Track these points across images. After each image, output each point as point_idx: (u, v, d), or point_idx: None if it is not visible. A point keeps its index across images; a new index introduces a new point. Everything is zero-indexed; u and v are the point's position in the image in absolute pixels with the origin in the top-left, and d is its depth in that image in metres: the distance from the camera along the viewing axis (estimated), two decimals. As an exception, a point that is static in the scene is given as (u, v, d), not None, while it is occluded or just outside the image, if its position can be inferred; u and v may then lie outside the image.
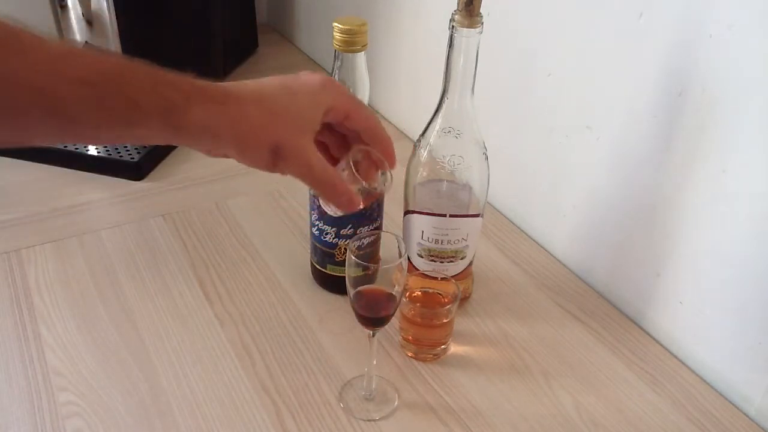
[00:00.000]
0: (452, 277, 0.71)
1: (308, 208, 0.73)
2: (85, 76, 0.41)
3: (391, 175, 0.52)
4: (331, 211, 0.53)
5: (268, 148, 0.46)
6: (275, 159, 0.47)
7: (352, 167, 0.50)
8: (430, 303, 0.70)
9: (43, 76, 0.40)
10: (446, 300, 0.69)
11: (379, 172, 0.52)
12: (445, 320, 0.67)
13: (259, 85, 0.47)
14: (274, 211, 0.90)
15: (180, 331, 0.70)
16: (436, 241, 0.68)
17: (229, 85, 0.46)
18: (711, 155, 0.63)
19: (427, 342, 0.68)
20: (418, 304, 0.68)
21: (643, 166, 0.70)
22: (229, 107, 0.45)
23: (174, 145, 0.46)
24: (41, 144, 0.44)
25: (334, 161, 0.51)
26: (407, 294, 0.67)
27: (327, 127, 0.50)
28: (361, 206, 0.51)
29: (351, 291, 0.58)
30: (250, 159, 0.48)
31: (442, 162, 0.65)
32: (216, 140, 0.46)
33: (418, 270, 0.71)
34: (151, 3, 1.06)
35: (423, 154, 0.66)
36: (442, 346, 0.68)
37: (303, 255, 0.80)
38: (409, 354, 0.68)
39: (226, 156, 0.47)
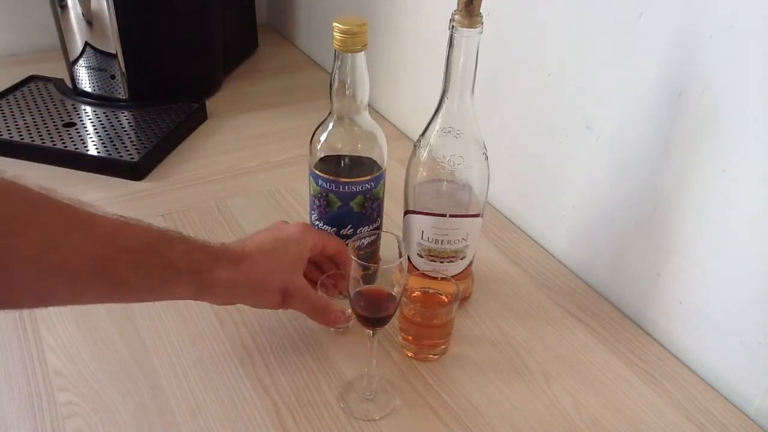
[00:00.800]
0: (452, 277, 0.71)
1: (308, 208, 0.73)
2: (133, 245, 0.52)
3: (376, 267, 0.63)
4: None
5: (279, 291, 0.61)
6: (285, 299, 0.62)
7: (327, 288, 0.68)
8: (430, 303, 0.70)
9: (102, 248, 0.50)
10: (446, 300, 0.69)
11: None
12: (445, 320, 0.67)
13: (258, 242, 0.61)
14: (274, 211, 0.90)
15: (180, 332, 0.70)
16: (436, 241, 0.68)
17: (237, 247, 0.60)
18: (711, 155, 0.63)
19: (427, 342, 0.68)
20: (418, 304, 0.68)
21: (643, 166, 0.70)
22: (244, 265, 0.59)
23: (196, 300, 0.60)
24: (91, 303, 0.54)
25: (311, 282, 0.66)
26: (407, 294, 0.67)
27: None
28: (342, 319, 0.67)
29: (351, 291, 0.58)
30: (264, 303, 0.63)
31: (442, 162, 0.65)
32: (235, 292, 0.60)
33: (418, 270, 0.71)
34: (151, 3, 1.06)
35: (423, 154, 0.66)
36: (442, 347, 0.68)
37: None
38: (409, 354, 0.68)
39: (241, 303, 0.63)
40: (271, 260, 0.60)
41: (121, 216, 0.53)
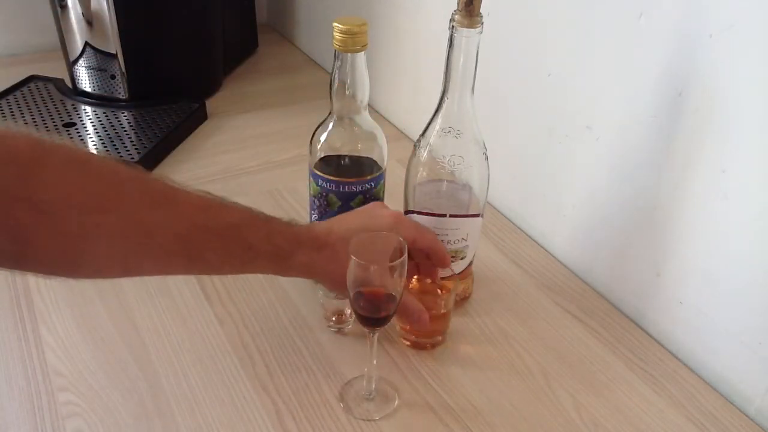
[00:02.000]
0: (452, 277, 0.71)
1: (308, 208, 0.73)
2: (215, 226, 0.52)
3: (452, 271, 0.67)
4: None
5: None
6: None
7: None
8: (428, 293, 0.70)
9: (185, 227, 0.51)
10: (444, 291, 0.69)
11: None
12: (443, 311, 0.67)
13: (345, 228, 0.59)
14: (274, 211, 0.89)
15: (180, 331, 0.70)
16: (436, 241, 0.68)
17: (321, 230, 0.59)
18: (711, 155, 0.63)
19: (424, 332, 0.68)
20: (416, 293, 0.68)
21: (643, 166, 0.70)
22: (325, 252, 0.58)
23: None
24: (174, 274, 0.56)
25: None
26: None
27: None
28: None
29: (351, 291, 0.58)
30: (339, 289, 0.61)
31: (442, 162, 0.65)
32: (313, 275, 0.60)
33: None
34: (151, 3, 1.06)
35: (423, 154, 0.66)
36: (439, 337, 0.69)
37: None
38: (407, 343, 0.68)
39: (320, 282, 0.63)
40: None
41: (208, 193, 0.54)
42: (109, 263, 0.50)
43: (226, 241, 0.53)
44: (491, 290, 0.78)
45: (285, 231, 0.57)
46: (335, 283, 0.60)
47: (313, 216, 0.72)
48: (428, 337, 0.69)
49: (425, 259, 0.64)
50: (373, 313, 0.58)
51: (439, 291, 0.70)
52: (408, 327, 0.69)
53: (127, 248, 0.49)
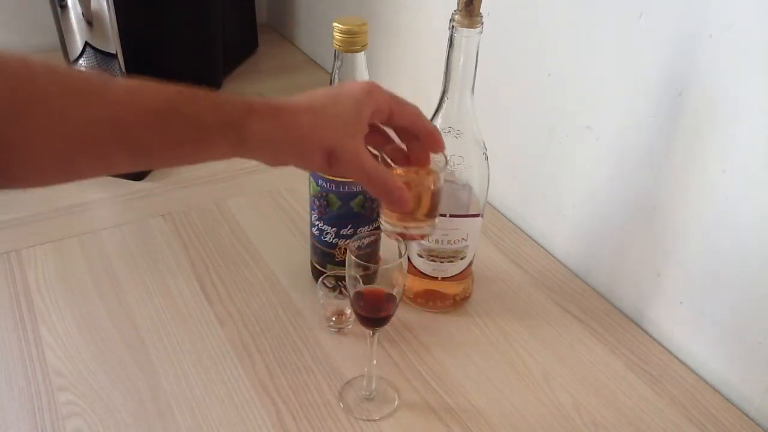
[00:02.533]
0: (452, 277, 0.71)
1: (308, 208, 0.73)
2: (151, 106, 0.46)
3: (446, 157, 0.56)
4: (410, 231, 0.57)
5: (322, 151, 0.50)
6: (330, 161, 0.51)
7: (389, 162, 0.55)
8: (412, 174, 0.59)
9: (117, 110, 0.45)
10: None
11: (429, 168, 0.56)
12: (431, 188, 0.57)
13: (308, 97, 0.52)
14: (274, 211, 0.90)
15: (180, 331, 0.70)
16: (436, 241, 0.68)
17: (280, 100, 0.51)
18: (711, 155, 0.63)
19: (409, 218, 0.58)
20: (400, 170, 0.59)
21: (643, 166, 0.70)
22: (284, 119, 0.50)
23: (236, 157, 0.52)
24: (120, 172, 0.50)
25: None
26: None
27: (373, 129, 0.54)
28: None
29: (351, 291, 0.58)
30: (308, 162, 0.52)
31: (442, 162, 0.65)
32: (275, 149, 0.51)
33: (418, 270, 0.71)
34: (151, 3, 1.06)
35: (423, 154, 0.66)
36: (426, 225, 0.59)
37: (303, 255, 0.80)
38: (394, 236, 0.59)
39: (285, 164, 0.52)
40: (317, 117, 0.50)
41: (139, 78, 0.48)
42: (42, 169, 0.45)
43: (168, 121, 0.47)
44: (491, 290, 0.78)
45: (233, 99, 0.50)
46: (298, 153, 0.51)
47: (313, 216, 0.72)
48: (414, 222, 0.58)
49: (413, 140, 0.55)
50: (373, 313, 0.59)
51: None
52: (392, 213, 0.58)
53: (59, 145, 0.44)
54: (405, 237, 0.59)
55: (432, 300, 0.74)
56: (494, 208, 0.92)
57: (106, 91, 0.45)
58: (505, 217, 0.91)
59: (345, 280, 0.58)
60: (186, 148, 0.49)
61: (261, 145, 0.51)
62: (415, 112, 0.54)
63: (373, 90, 0.52)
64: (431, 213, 0.58)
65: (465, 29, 0.59)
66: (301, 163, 0.52)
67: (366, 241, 0.69)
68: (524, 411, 0.63)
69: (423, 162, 0.56)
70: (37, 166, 0.45)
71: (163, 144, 0.47)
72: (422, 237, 0.60)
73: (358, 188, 0.68)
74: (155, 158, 0.49)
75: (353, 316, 0.61)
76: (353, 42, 0.62)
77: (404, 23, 1.05)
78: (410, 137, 0.55)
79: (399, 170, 0.56)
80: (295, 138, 0.50)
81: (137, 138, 0.46)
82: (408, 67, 1.07)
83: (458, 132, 0.64)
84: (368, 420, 0.62)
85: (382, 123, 0.54)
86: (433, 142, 0.55)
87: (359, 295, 0.58)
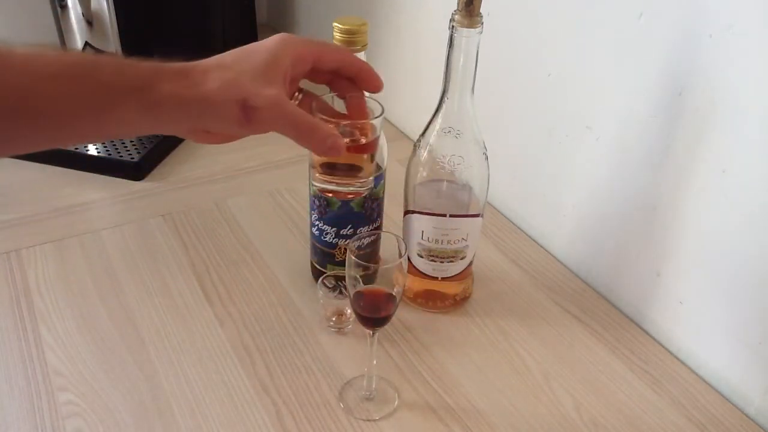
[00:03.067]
0: (452, 277, 0.71)
1: (308, 208, 0.73)
2: (52, 72, 0.43)
3: (382, 107, 0.53)
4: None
5: (236, 103, 0.46)
6: (246, 112, 0.47)
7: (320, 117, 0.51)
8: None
9: (17, 76, 0.42)
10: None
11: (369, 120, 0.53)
12: (363, 141, 0.54)
13: (219, 55, 0.49)
14: (274, 211, 0.90)
15: (180, 331, 0.70)
16: (436, 241, 0.68)
17: (191, 62, 0.49)
18: (711, 155, 0.63)
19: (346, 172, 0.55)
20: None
21: (643, 166, 0.70)
22: (194, 77, 0.47)
23: (156, 133, 0.49)
24: (27, 151, 0.46)
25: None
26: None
27: (307, 95, 0.52)
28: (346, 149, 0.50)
29: (351, 291, 0.58)
30: (223, 118, 0.47)
31: (442, 162, 0.65)
32: (187, 110, 0.47)
33: (418, 270, 0.71)
34: (151, 3, 1.06)
35: (423, 154, 0.66)
36: (360, 184, 0.55)
37: (303, 255, 0.80)
38: (329, 194, 0.56)
39: (202, 128, 0.49)
40: (228, 70, 0.47)
41: (42, 44, 0.47)
42: None
43: (71, 85, 0.44)
44: (491, 290, 0.78)
45: (137, 63, 0.47)
46: (211, 110, 0.47)
47: (313, 216, 0.72)
48: (350, 178, 0.55)
49: (347, 86, 0.52)
50: (373, 313, 0.59)
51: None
52: (322, 162, 0.55)
53: None
54: (338, 195, 0.55)
55: (432, 300, 0.74)
56: (494, 208, 0.92)
57: (3, 58, 0.42)
58: (505, 217, 0.91)
59: (345, 280, 0.58)
60: (91, 114, 0.45)
61: (171, 108, 0.47)
62: (342, 49, 0.52)
63: (288, 38, 0.49)
64: (368, 167, 0.54)
65: (465, 29, 0.59)
66: (217, 122, 0.48)
67: (366, 241, 0.69)
68: (524, 411, 0.63)
69: (361, 113, 0.53)
70: None
71: (66, 111, 0.44)
72: (357, 195, 0.55)
73: (358, 188, 0.68)
74: (61, 129, 0.46)
75: (353, 316, 0.61)
76: (353, 42, 0.62)
77: (404, 23, 1.05)
78: (344, 84, 0.52)
79: (332, 122, 0.52)
80: (205, 93, 0.46)
81: (37, 106, 0.43)
82: (408, 67, 1.07)
83: (458, 132, 0.64)
84: (368, 420, 0.62)
85: (307, 72, 0.51)
86: (368, 78, 0.52)
87: (359, 295, 0.58)
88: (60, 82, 0.44)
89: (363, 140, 0.52)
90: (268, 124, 0.48)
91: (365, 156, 0.54)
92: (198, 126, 0.49)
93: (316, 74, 0.51)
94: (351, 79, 0.52)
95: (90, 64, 0.45)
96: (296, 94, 0.52)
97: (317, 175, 0.55)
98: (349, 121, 0.52)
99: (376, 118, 0.53)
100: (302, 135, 0.48)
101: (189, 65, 0.48)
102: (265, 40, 0.49)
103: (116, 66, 0.46)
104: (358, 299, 0.58)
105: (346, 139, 0.51)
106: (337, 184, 0.54)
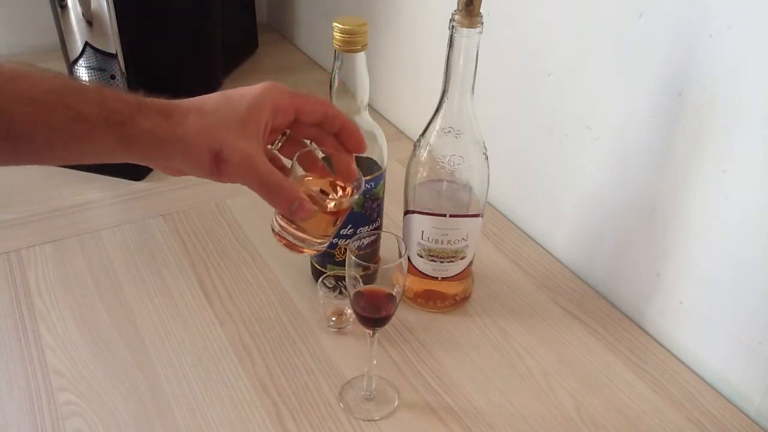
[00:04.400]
0: (452, 277, 0.71)
1: (308, 208, 0.73)
2: (33, 96, 0.43)
3: (361, 181, 0.52)
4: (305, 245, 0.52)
5: (209, 152, 0.47)
6: (217, 163, 0.47)
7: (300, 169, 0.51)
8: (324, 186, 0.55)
9: None
10: (346, 189, 0.54)
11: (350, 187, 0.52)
12: (331, 208, 0.52)
13: (202, 98, 0.49)
14: (273, 211, 0.90)
15: (180, 331, 0.70)
16: (436, 241, 0.68)
17: (174, 101, 0.48)
18: (711, 155, 0.63)
19: (303, 229, 0.52)
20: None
21: (643, 166, 0.70)
22: (173, 118, 0.47)
23: (129, 162, 0.48)
24: (6, 165, 0.46)
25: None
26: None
27: (290, 140, 0.52)
28: (320, 212, 0.50)
29: (351, 291, 0.58)
30: (194, 164, 0.48)
31: (442, 162, 0.65)
32: (161, 148, 0.47)
33: (418, 270, 0.71)
34: (151, 3, 1.06)
35: (423, 154, 0.66)
36: (318, 242, 0.53)
37: (303, 255, 0.80)
38: (282, 242, 0.53)
39: (174, 167, 0.49)
40: (206, 117, 0.47)
41: (29, 64, 0.45)
42: None
43: (48, 112, 0.43)
44: (491, 290, 0.78)
45: (121, 96, 0.47)
46: (185, 154, 0.47)
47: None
48: (308, 235, 0.52)
49: (334, 141, 0.52)
50: (373, 313, 0.59)
51: (340, 191, 0.54)
52: (285, 220, 0.52)
53: None
54: (292, 248, 0.52)
55: (432, 300, 0.74)
56: (494, 208, 0.92)
57: None
58: (505, 217, 0.91)
59: (345, 280, 0.58)
60: (67, 142, 0.45)
61: (146, 145, 0.47)
62: (323, 101, 0.51)
63: (269, 88, 0.49)
64: (329, 231, 0.53)
65: (465, 29, 0.59)
66: (188, 166, 0.48)
67: (366, 241, 0.69)
68: (524, 411, 0.63)
69: (348, 175, 0.52)
70: None
71: (42, 137, 0.44)
72: (312, 252, 0.54)
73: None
74: (39, 153, 0.46)
75: (353, 316, 0.61)
76: (353, 42, 0.62)
77: (404, 23, 1.05)
78: (329, 142, 0.51)
79: (311, 177, 0.51)
80: (181, 136, 0.47)
81: (15, 129, 0.43)
82: (408, 67, 1.07)
83: (458, 132, 0.64)
84: (368, 420, 0.62)
85: (289, 123, 0.51)
86: (350, 136, 0.51)
87: (359, 295, 0.58)
88: (36, 109, 0.43)
89: (330, 207, 0.52)
90: (237, 178, 0.48)
91: (332, 218, 0.53)
92: (170, 165, 0.49)
93: (299, 127, 0.51)
94: (335, 135, 0.51)
95: (73, 92, 0.45)
96: (278, 138, 0.52)
97: (278, 220, 0.53)
98: (327, 196, 0.52)
99: (351, 197, 0.52)
100: (269, 195, 0.48)
101: (172, 104, 0.48)
102: (249, 87, 0.49)
103: (98, 96, 0.46)
104: (358, 299, 0.58)
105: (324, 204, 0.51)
106: (293, 234, 0.52)
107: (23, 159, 0.46)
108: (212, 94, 0.50)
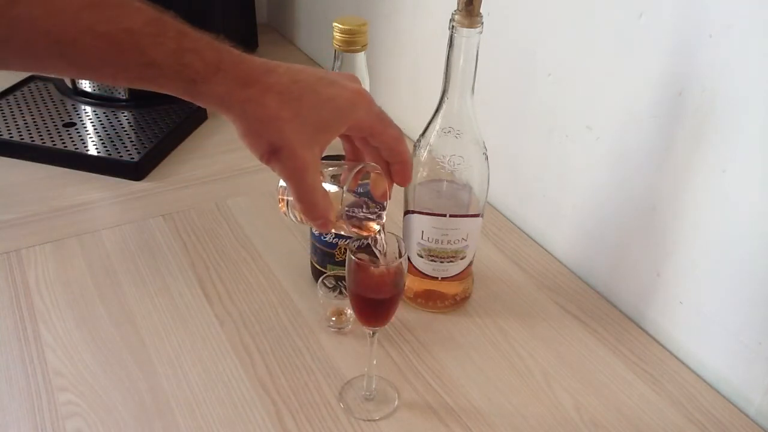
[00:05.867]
0: (452, 277, 0.71)
1: (308, 208, 0.73)
2: (106, 31, 0.40)
3: (383, 226, 0.53)
4: (294, 218, 0.53)
5: (269, 143, 0.45)
6: (271, 155, 0.45)
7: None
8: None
9: (63, 26, 0.40)
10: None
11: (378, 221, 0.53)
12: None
13: (293, 76, 0.45)
14: (274, 211, 0.90)
15: (180, 331, 0.70)
16: (436, 241, 0.68)
17: (262, 65, 0.45)
18: (711, 155, 0.63)
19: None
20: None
21: (643, 166, 0.70)
22: (250, 91, 0.44)
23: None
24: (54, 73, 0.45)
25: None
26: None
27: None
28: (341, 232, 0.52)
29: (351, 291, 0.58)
30: (248, 142, 0.46)
31: (442, 162, 0.65)
32: (227, 114, 0.45)
33: (418, 270, 0.71)
34: (150, 3, 1.06)
35: (423, 154, 0.66)
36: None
37: (303, 255, 0.80)
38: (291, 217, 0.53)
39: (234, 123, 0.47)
40: (284, 105, 0.44)
41: None
42: None
43: (120, 53, 0.41)
44: (491, 290, 0.78)
45: (201, 50, 0.43)
46: (246, 131, 0.45)
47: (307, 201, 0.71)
48: (305, 222, 0.53)
49: (381, 161, 0.51)
50: (375, 309, 0.58)
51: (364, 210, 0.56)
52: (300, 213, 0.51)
53: None
54: (286, 215, 0.53)
55: (432, 300, 0.74)
56: (494, 208, 0.92)
57: None
58: (505, 217, 0.91)
59: (345, 280, 0.58)
60: (134, 81, 0.44)
61: (214, 104, 0.45)
62: (397, 136, 0.50)
63: (359, 103, 0.47)
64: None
65: (465, 29, 0.59)
66: (242, 139, 0.46)
67: (366, 241, 0.69)
68: (524, 411, 0.63)
69: (379, 193, 0.52)
70: None
71: (110, 71, 0.43)
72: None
73: (359, 188, 0.68)
74: (100, 77, 0.44)
75: (353, 316, 0.61)
76: (353, 42, 0.62)
77: (404, 23, 1.05)
78: (370, 152, 0.51)
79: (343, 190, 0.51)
80: (249, 115, 0.44)
81: (82, 59, 0.42)
82: (408, 67, 1.07)
83: (458, 132, 0.64)
84: (368, 420, 0.62)
85: (359, 139, 0.50)
86: (402, 171, 0.51)
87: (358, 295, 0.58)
88: (111, 46, 0.41)
89: (352, 232, 0.53)
90: (281, 175, 0.47)
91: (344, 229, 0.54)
92: (230, 120, 0.47)
93: (363, 142, 0.51)
94: (385, 161, 0.51)
95: (150, 35, 0.42)
96: None
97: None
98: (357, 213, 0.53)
99: (373, 233, 0.53)
100: (300, 204, 0.47)
101: (255, 73, 0.45)
102: (342, 85, 0.47)
103: (176, 48, 0.42)
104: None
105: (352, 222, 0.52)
106: (297, 216, 0.53)
107: (87, 77, 0.44)
108: (303, 72, 0.46)
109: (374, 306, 0.57)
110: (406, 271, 0.58)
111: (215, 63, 0.43)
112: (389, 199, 0.52)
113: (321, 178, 0.48)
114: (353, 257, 0.54)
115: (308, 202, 0.47)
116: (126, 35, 0.41)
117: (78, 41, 0.40)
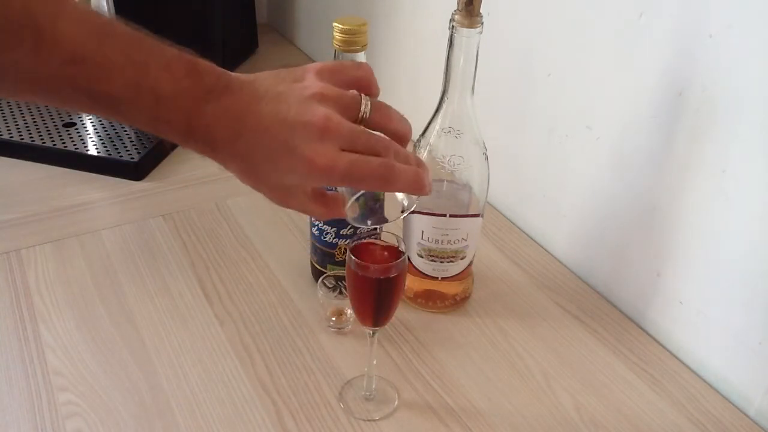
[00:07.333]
0: (452, 277, 0.71)
1: (308, 208, 0.73)
2: (83, 87, 0.43)
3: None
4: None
5: (251, 186, 0.50)
6: (241, 174, 0.51)
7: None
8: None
9: (46, 75, 0.42)
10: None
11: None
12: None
13: (257, 139, 0.47)
14: (274, 211, 0.90)
15: (180, 331, 0.70)
16: (436, 241, 0.68)
17: (229, 127, 0.47)
18: (711, 155, 0.63)
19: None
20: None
21: (643, 165, 0.70)
22: (218, 157, 0.50)
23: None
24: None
25: None
26: None
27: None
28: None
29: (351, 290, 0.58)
30: (224, 163, 0.51)
31: (442, 162, 0.65)
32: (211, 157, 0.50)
33: (418, 270, 0.71)
34: (151, 3, 1.06)
35: (423, 154, 0.66)
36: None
37: (303, 255, 0.80)
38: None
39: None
40: (246, 178, 0.50)
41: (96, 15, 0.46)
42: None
43: (97, 110, 0.45)
44: (491, 290, 0.78)
45: (175, 118, 0.47)
46: (232, 171, 0.51)
47: (314, 217, 0.72)
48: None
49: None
50: (375, 309, 0.58)
51: None
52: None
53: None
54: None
55: (432, 300, 0.74)
56: (494, 208, 0.92)
57: (43, 42, 0.41)
58: (505, 217, 0.91)
59: (345, 280, 0.58)
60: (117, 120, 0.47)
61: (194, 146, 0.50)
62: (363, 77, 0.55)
63: (314, 174, 0.47)
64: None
65: (465, 29, 0.59)
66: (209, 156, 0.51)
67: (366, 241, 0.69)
68: (524, 411, 0.63)
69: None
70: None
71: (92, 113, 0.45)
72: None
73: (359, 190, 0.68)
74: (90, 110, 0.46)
75: (353, 316, 0.61)
76: (353, 42, 0.62)
77: (404, 23, 1.05)
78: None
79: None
80: (229, 161, 0.50)
81: (64, 101, 0.44)
82: (408, 67, 1.07)
83: (458, 132, 0.64)
84: (368, 420, 0.62)
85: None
86: (404, 134, 0.54)
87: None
88: (88, 100, 0.43)
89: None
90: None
91: None
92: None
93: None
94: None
95: (128, 99, 0.44)
96: None
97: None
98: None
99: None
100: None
101: (221, 138, 0.48)
102: (303, 153, 0.47)
103: (151, 117, 0.46)
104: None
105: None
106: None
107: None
108: (267, 132, 0.47)
109: (374, 306, 0.57)
110: (406, 271, 0.58)
111: (185, 131, 0.47)
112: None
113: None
114: (353, 257, 0.55)
115: (310, 214, 0.52)
116: (104, 96, 0.44)
117: (62, 91, 0.43)
